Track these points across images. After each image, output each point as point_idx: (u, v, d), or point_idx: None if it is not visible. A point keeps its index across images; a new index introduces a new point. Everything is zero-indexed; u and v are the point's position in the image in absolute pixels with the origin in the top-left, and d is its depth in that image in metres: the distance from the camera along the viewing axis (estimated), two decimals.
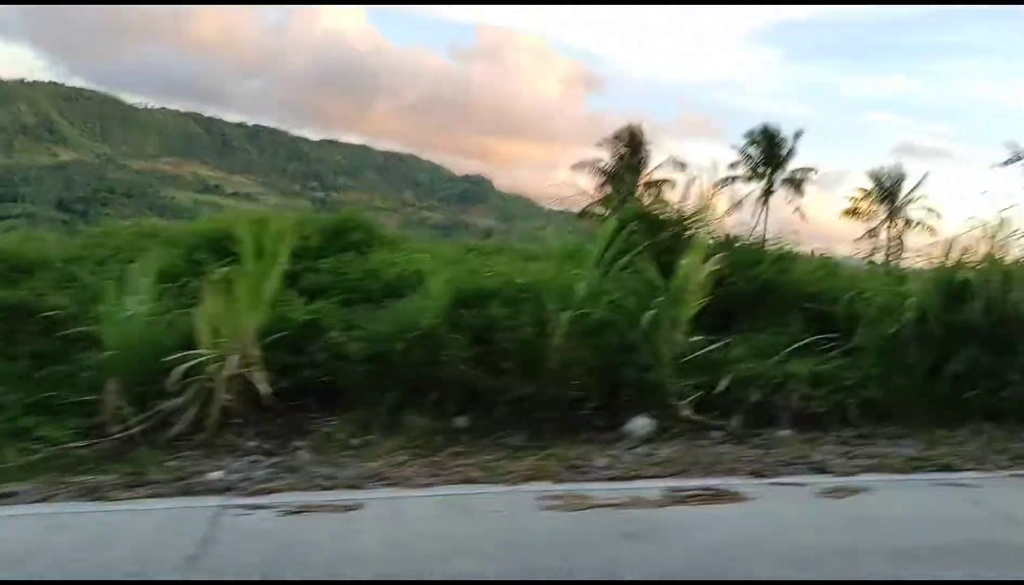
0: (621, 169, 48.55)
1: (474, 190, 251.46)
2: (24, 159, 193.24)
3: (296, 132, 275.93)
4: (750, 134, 53.29)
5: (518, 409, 5.83)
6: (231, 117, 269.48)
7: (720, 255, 6.63)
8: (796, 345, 6.50)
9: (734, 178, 53.18)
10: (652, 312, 5.90)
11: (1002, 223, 6.06)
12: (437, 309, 5.93)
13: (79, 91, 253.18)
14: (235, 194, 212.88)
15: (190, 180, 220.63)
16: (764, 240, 7.61)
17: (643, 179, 47.94)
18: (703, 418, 5.94)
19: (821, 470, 5.18)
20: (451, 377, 5.83)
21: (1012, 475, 5.11)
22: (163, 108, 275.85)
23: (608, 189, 53.51)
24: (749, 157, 53.23)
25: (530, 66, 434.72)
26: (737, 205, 57.21)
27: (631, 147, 49.91)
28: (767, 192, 52.61)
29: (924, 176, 60.16)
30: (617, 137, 50.32)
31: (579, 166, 49.36)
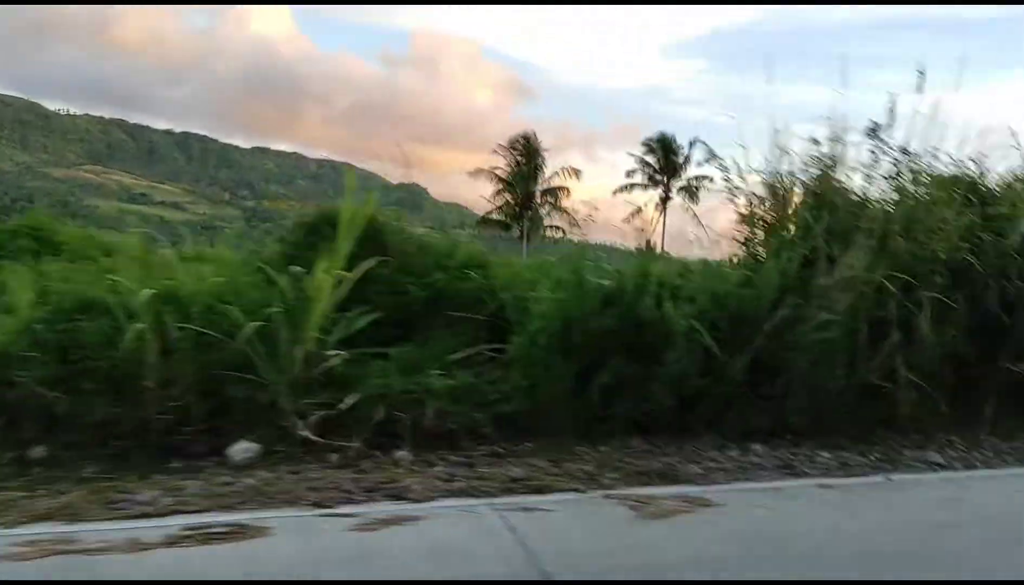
0: (516, 177, 49.13)
1: (409, 198, 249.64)
2: None
3: (226, 140, 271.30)
4: (647, 142, 54.51)
5: (103, 435, 5.23)
6: (158, 124, 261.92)
7: (375, 260, 6.14)
8: (456, 356, 6.04)
9: (632, 185, 54.21)
10: (256, 324, 5.36)
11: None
12: (17, 324, 5.30)
13: None
14: (162, 203, 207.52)
15: (115, 189, 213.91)
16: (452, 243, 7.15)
17: (539, 185, 48.41)
18: (323, 440, 5.43)
19: (399, 496, 4.70)
20: (26, 401, 5.20)
21: (604, 496, 4.70)
22: (86, 114, 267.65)
23: (506, 196, 54.08)
24: (647, 164, 54.35)
25: (463, 74, 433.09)
26: (637, 212, 58.37)
27: (526, 155, 50.40)
28: (664, 199, 53.65)
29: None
30: (512, 145, 50.77)
31: (476, 173, 49.50)
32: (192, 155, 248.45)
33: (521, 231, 47.03)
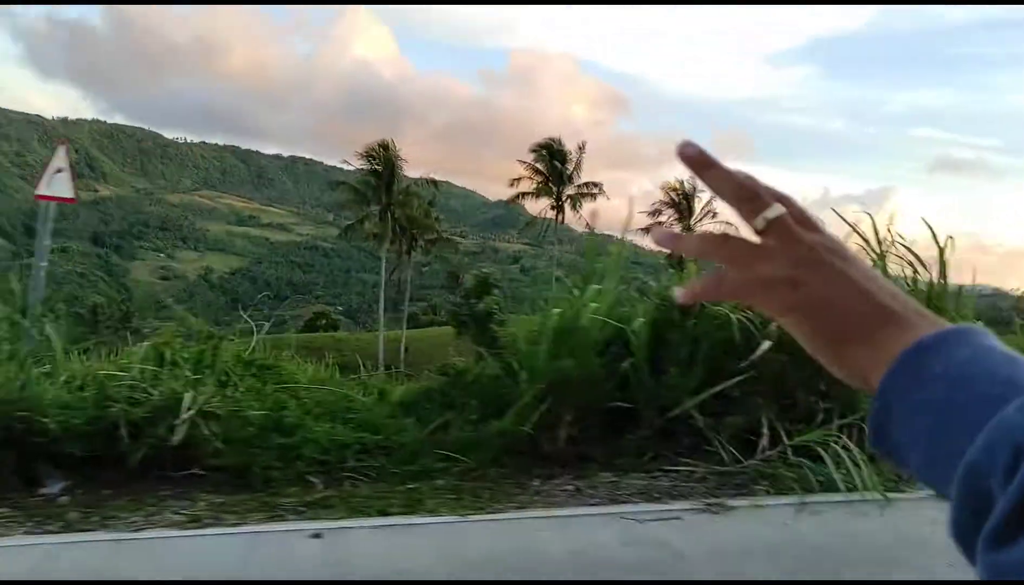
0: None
1: (506, 215, 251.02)
2: None
3: (331, 162, 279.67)
4: (537, 149, 54.39)
5: None
6: (268, 149, 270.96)
7: None
8: None
9: (523, 194, 57.13)
10: None
11: None
12: None
13: (120, 128, 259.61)
14: (269, 224, 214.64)
15: (225, 212, 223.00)
16: None
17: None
18: None
19: None
20: None
21: None
22: (202, 142, 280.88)
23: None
24: (539, 171, 54.69)
25: (560, 89, 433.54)
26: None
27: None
28: (557, 206, 54.26)
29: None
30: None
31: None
32: (298, 177, 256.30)
33: None
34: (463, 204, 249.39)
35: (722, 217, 59.24)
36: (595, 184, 56.24)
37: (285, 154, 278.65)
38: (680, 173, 55.37)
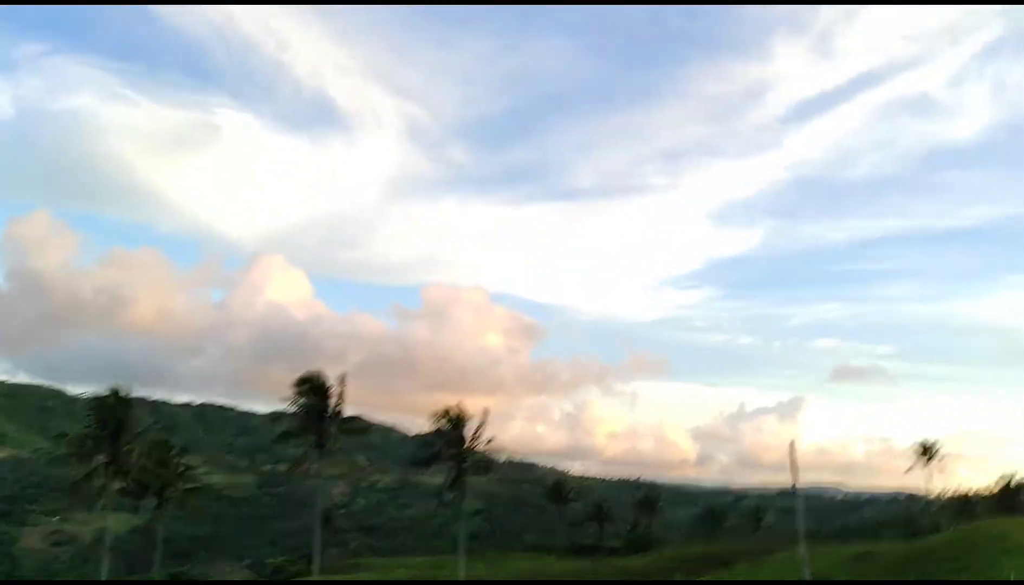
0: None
1: (428, 449, 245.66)
2: None
3: (244, 407, 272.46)
4: (299, 384, 53.57)
5: None
6: (178, 397, 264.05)
7: None
8: None
9: (287, 433, 54.83)
10: None
11: None
12: None
13: (22, 387, 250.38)
14: (179, 474, 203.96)
15: None
16: None
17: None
18: None
19: None
20: None
21: None
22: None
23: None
24: (301, 407, 53.72)
25: (472, 320, 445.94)
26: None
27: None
28: (319, 443, 53.04)
29: (485, 414, 58.67)
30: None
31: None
32: (210, 425, 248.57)
33: None
34: (383, 439, 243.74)
35: (496, 443, 58.86)
36: (357, 418, 56.21)
37: (196, 402, 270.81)
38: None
